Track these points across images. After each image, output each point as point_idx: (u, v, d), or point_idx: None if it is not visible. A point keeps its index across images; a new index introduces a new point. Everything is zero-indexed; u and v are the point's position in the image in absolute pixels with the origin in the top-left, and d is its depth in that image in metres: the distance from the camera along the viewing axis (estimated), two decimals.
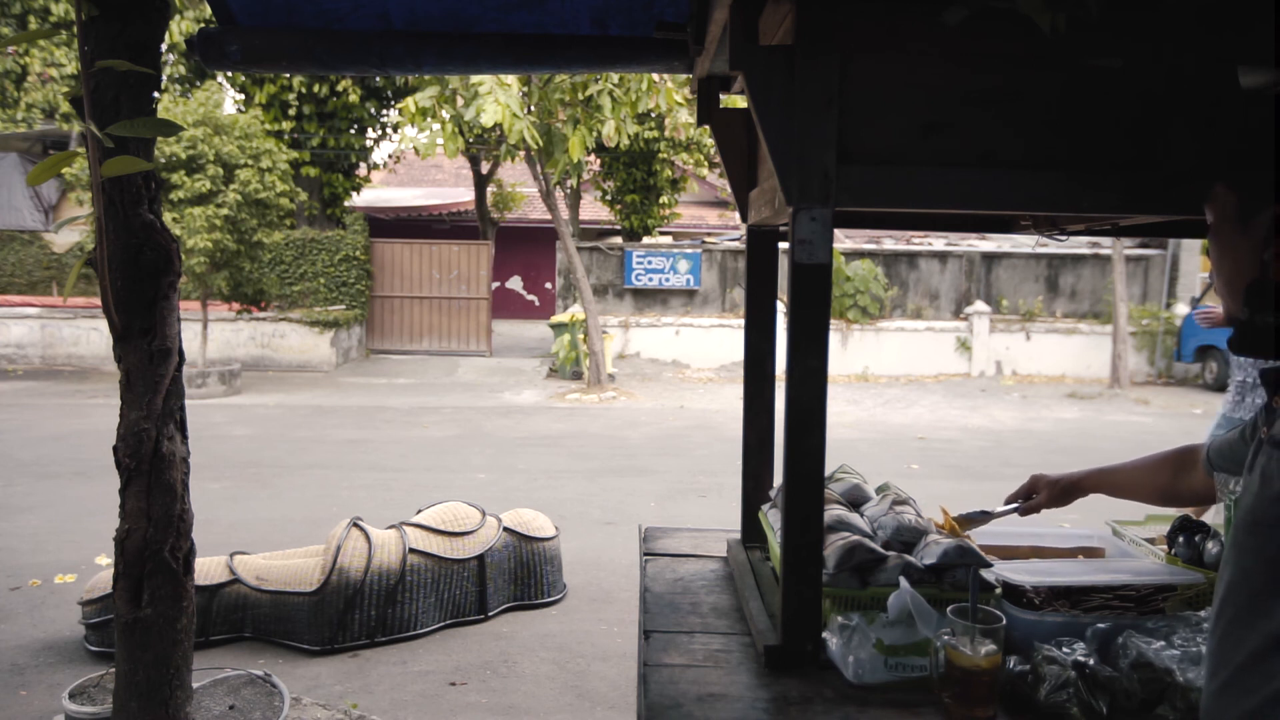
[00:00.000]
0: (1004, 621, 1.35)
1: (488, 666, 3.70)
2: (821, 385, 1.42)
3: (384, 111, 15.64)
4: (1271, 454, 0.87)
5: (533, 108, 9.87)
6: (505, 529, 4.28)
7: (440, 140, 9.80)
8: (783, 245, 1.69)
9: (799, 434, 1.42)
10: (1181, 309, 14.46)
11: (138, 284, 2.28)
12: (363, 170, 16.58)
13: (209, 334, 12.46)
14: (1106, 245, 14.71)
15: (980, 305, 14.68)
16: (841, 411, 10.96)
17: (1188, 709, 1.28)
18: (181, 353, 2.39)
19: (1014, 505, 1.83)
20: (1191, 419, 11.10)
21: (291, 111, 14.72)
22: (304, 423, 9.61)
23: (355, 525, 3.96)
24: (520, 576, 4.33)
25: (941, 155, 1.46)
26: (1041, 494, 1.79)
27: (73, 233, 14.83)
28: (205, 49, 2.24)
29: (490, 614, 4.17)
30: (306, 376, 13.48)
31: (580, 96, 9.30)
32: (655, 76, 8.90)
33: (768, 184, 1.76)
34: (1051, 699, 1.30)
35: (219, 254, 11.05)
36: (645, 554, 2.10)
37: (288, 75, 14.03)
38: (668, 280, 15.17)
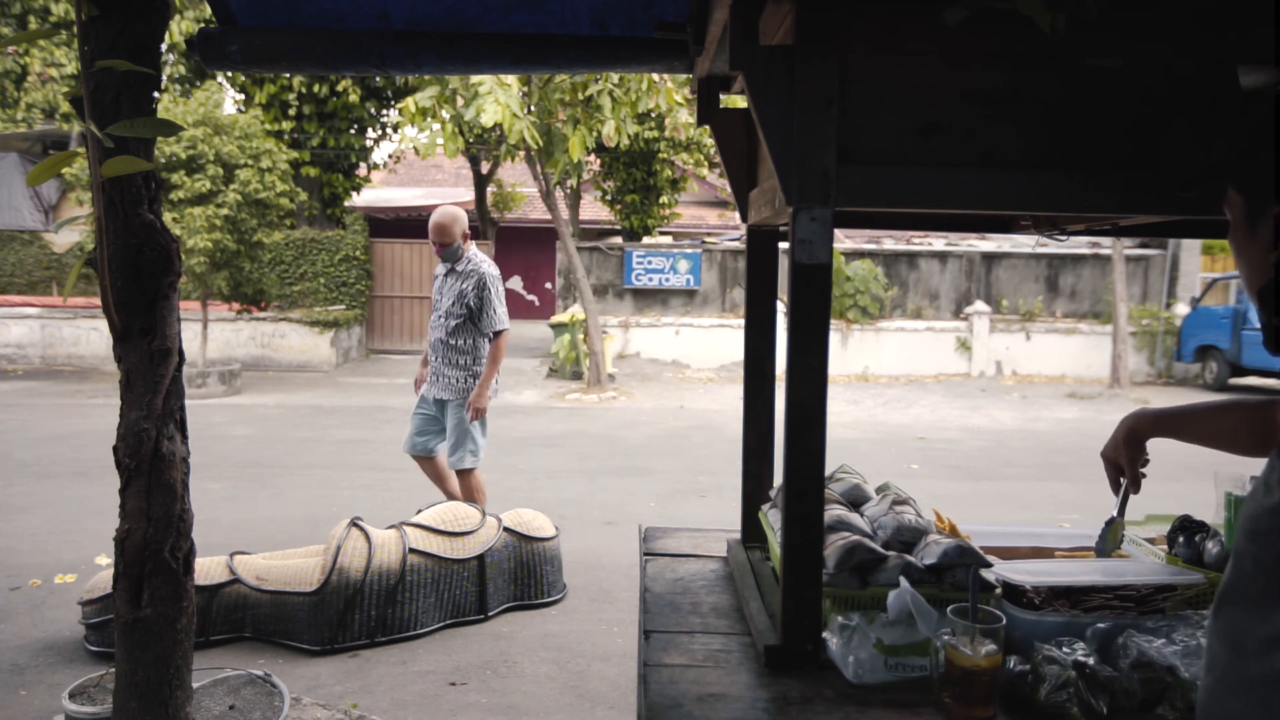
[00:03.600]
0: (1004, 621, 1.35)
1: (488, 666, 3.70)
2: (821, 385, 1.42)
3: (384, 111, 15.65)
4: (1273, 464, 0.87)
5: (533, 108, 9.87)
6: (505, 529, 4.28)
7: (440, 140, 9.81)
8: (783, 245, 1.69)
9: (799, 434, 1.42)
10: (1181, 309, 14.47)
11: (138, 284, 2.28)
12: (363, 170, 16.58)
13: (209, 334, 12.46)
14: (1106, 245, 14.71)
15: (980, 305, 14.69)
16: (841, 411, 10.96)
17: (1188, 708, 1.28)
18: (181, 353, 2.39)
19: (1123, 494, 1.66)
20: None
21: (291, 111, 14.72)
22: (304, 423, 9.61)
23: (355, 525, 3.96)
24: (520, 576, 4.33)
25: (941, 155, 1.46)
26: (1125, 463, 1.60)
27: (73, 233, 14.82)
28: (205, 49, 2.24)
29: (490, 614, 4.17)
30: (306, 376, 13.48)
31: (580, 96, 9.30)
32: (655, 76, 8.90)
33: (768, 184, 1.76)
34: (1051, 699, 1.30)
35: (219, 254, 11.05)
36: (645, 554, 2.10)
37: (288, 75, 14.03)
38: (668, 280, 15.17)
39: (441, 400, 4.79)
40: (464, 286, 4.70)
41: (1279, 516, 0.84)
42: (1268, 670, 0.82)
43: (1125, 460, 1.60)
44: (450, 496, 4.86)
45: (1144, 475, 1.63)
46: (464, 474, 4.79)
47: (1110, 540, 1.68)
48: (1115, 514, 1.68)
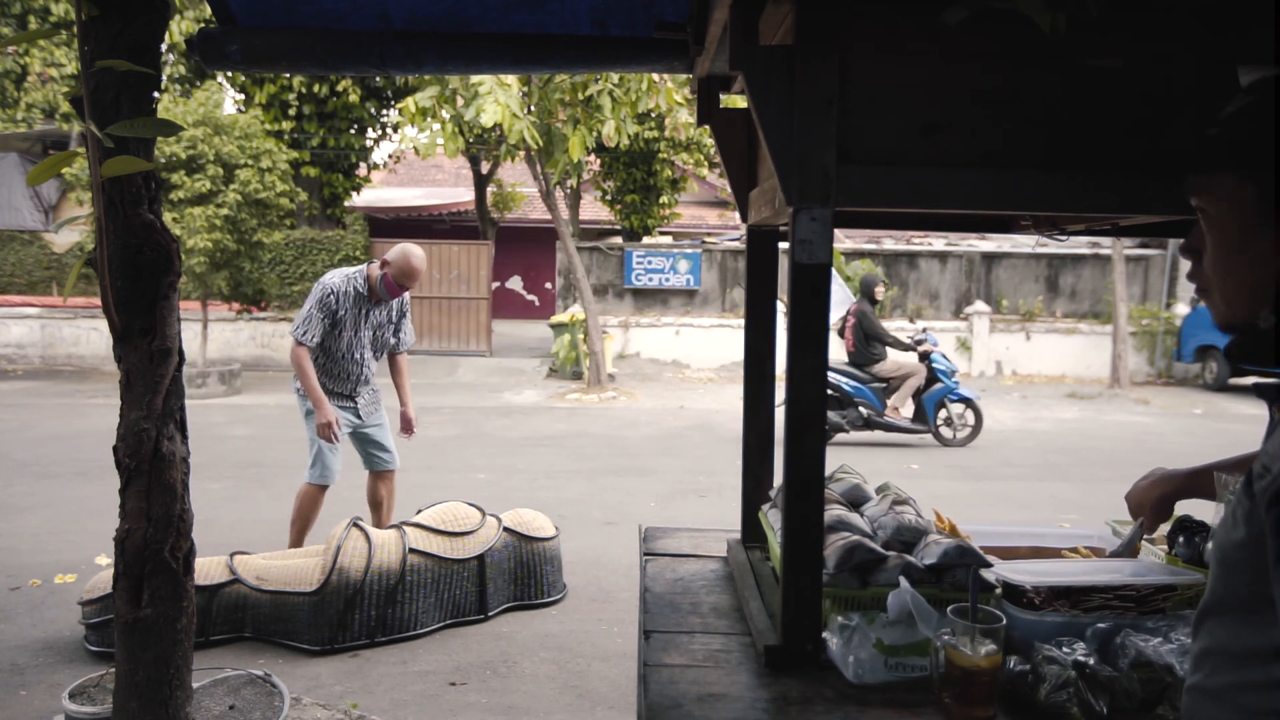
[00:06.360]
0: (1004, 621, 1.35)
1: (488, 666, 3.70)
2: (821, 385, 1.42)
3: (384, 111, 15.64)
4: (1240, 498, 0.88)
5: (533, 108, 9.86)
6: (505, 529, 4.28)
7: (440, 140, 9.80)
8: (783, 245, 1.69)
9: (799, 434, 1.42)
10: (1181, 309, 14.46)
11: (138, 284, 2.28)
12: (363, 170, 16.57)
13: (209, 334, 12.46)
14: (1106, 245, 14.70)
15: (980, 305, 14.68)
16: None
17: None
18: (181, 353, 2.39)
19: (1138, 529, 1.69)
20: (1191, 419, 11.09)
21: (291, 111, 14.71)
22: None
23: (355, 525, 3.96)
24: (520, 576, 4.32)
25: (941, 155, 1.46)
26: (1147, 517, 1.66)
27: (73, 233, 14.82)
28: (205, 49, 2.24)
29: (490, 614, 4.17)
30: None
31: (580, 96, 9.30)
32: (655, 76, 8.90)
33: (768, 184, 1.76)
34: (1051, 699, 1.30)
35: (219, 254, 11.05)
36: (645, 554, 2.10)
37: (288, 75, 14.02)
38: (668, 280, 15.17)
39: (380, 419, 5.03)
40: (390, 314, 4.94)
41: (1245, 550, 0.86)
42: (1242, 681, 0.87)
43: (1150, 519, 1.66)
44: (386, 504, 4.97)
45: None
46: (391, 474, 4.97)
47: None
48: (1123, 545, 1.70)
